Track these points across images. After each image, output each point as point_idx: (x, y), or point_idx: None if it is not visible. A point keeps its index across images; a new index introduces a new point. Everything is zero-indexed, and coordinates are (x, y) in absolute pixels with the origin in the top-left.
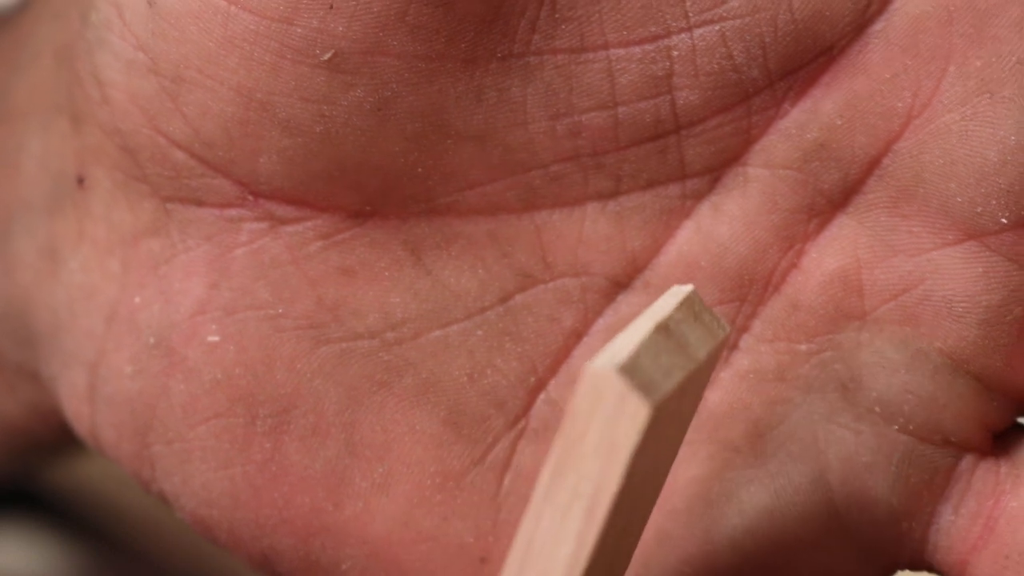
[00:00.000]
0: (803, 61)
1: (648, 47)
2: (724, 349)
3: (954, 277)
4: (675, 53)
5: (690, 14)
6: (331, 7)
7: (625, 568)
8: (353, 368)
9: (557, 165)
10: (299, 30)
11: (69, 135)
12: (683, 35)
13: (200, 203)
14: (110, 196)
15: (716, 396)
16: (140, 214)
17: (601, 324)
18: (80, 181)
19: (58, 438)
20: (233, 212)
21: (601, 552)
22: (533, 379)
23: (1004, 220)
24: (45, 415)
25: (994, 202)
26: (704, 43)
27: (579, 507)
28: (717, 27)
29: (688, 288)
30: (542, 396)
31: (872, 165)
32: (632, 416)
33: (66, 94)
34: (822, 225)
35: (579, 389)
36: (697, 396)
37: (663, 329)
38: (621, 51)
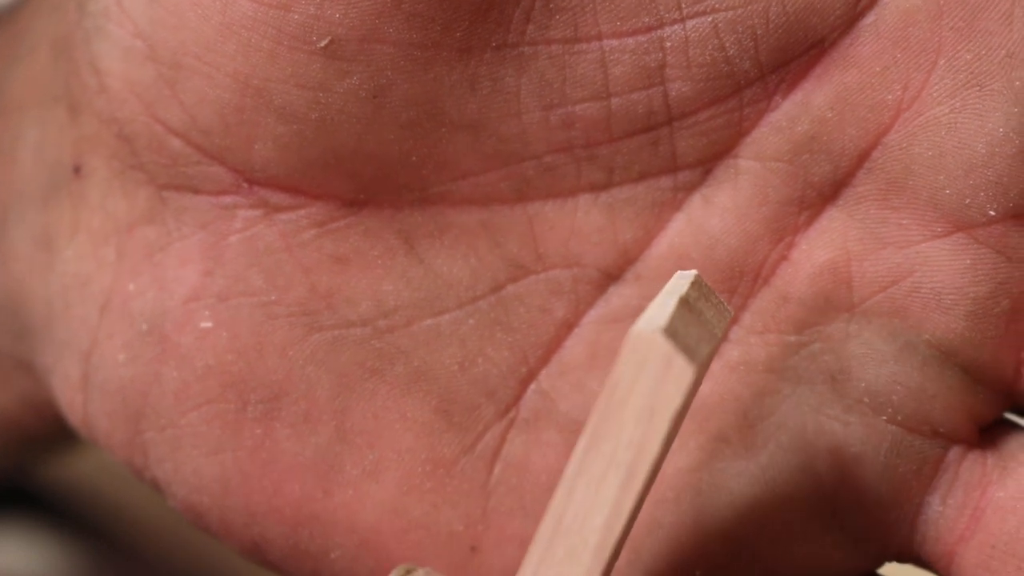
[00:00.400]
0: (794, 54)
1: (641, 38)
2: (729, 327)
3: (942, 269)
4: (668, 44)
5: (683, 5)
6: None
7: (623, 543)
8: (345, 355)
9: (550, 156)
10: (296, 17)
11: (66, 125)
12: (676, 26)
13: (196, 191)
14: (106, 185)
15: (706, 387)
16: (136, 202)
17: (592, 315)
18: (76, 170)
19: (51, 432)
20: (228, 200)
21: (631, 524)
22: (524, 369)
23: (992, 212)
24: (38, 407)
25: (982, 194)
26: (697, 34)
27: (616, 476)
28: (710, 18)
29: (692, 272)
30: (532, 386)
31: (862, 158)
32: (677, 378)
33: (63, 84)
34: (812, 217)
35: (623, 354)
36: (702, 377)
37: (685, 304)
38: (614, 42)
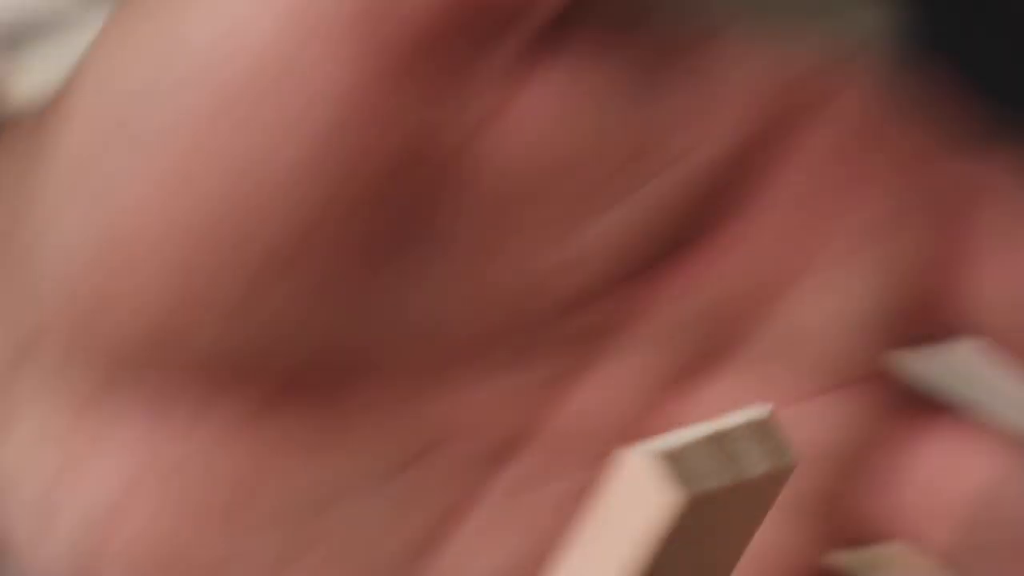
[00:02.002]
0: (700, 228)
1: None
2: (785, 479)
3: (822, 425)
4: (584, 239)
5: (600, 202)
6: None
7: None
8: (274, 539)
9: (471, 336)
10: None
11: (16, 310)
12: (593, 218)
13: (139, 382)
14: (51, 374)
15: None
16: (79, 390)
17: (503, 480)
18: (12, 364)
19: None
20: (171, 389)
21: None
22: (439, 537)
23: (869, 371)
24: None
25: (862, 354)
26: (611, 226)
27: None
28: (623, 208)
29: (765, 409)
30: (447, 552)
31: (755, 321)
32: (664, 505)
33: (7, 276)
34: (705, 381)
35: (612, 475)
36: (752, 521)
37: (716, 439)
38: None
